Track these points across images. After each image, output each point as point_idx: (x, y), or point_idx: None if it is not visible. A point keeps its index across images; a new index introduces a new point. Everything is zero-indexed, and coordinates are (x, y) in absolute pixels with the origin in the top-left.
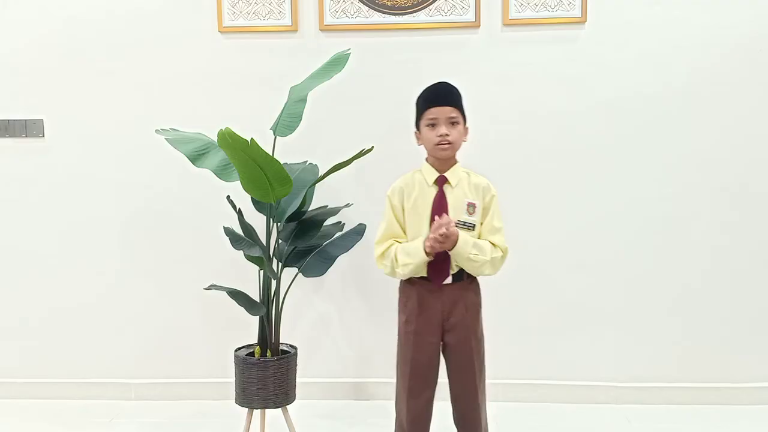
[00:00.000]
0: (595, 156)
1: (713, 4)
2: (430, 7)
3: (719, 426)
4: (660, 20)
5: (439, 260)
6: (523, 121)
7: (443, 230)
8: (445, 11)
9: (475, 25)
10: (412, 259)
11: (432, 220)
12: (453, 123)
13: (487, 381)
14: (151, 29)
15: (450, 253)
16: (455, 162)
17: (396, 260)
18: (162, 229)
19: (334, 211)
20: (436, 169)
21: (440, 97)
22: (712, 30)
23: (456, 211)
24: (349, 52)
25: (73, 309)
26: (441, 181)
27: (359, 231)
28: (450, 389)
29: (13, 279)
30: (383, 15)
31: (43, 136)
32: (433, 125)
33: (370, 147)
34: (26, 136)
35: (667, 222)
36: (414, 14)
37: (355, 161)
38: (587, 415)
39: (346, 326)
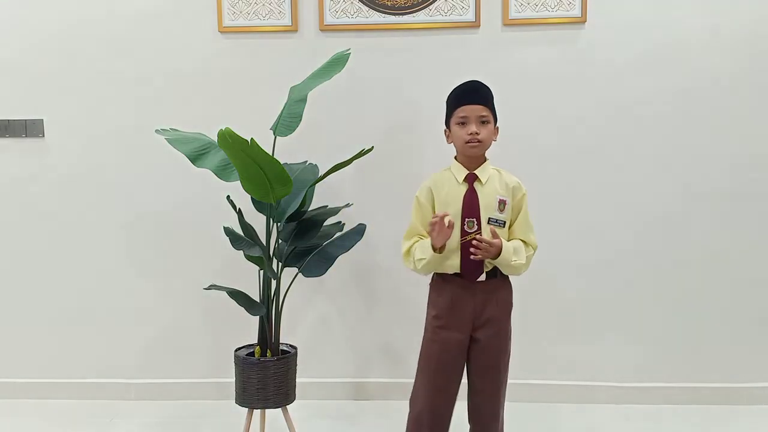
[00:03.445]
0: (594, 156)
1: (713, 4)
2: (430, 7)
3: (719, 426)
4: (660, 20)
5: (472, 260)
6: (523, 121)
7: (482, 244)
8: (445, 11)
9: (475, 25)
10: (425, 255)
11: (463, 216)
12: (483, 122)
13: None
14: (151, 29)
15: (494, 262)
16: (485, 160)
17: (414, 256)
18: (162, 229)
19: (334, 211)
20: (466, 167)
21: (471, 95)
22: (712, 30)
23: (487, 208)
24: (349, 52)
25: (72, 309)
26: (471, 179)
27: (359, 231)
28: (470, 384)
29: (12, 279)
30: (383, 15)
31: (43, 136)
32: (463, 123)
33: (370, 147)
34: (26, 136)
35: (667, 222)
36: (414, 14)
37: (355, 161)
38: (587, 415)
39: (346, 326)
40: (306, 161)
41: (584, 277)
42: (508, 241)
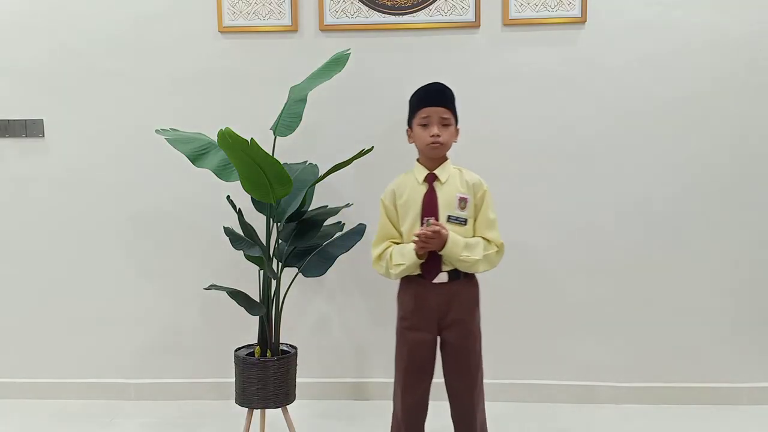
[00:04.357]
0: (594, 156)
1: (713, 4)
2: (430, 7)
3: (719, 426)
4: (660, 20)
5: (430, 257)
6: (523, 121)
7: (427, 231)
8: (445, 11)
9: (475, 25)
10: (405, 260)
11: (423, 216)
12: (445, 124)
13: (488, 381)
14: (151, 29)
15: (440, 253)
16: (446, 159)
17: (390, 261)
18: (162, 229)
19: (334, 211)
20: (427, 168)
21: (434, 97)
22: (712, 30)
23: (447, 206)
24: (349, 52)
25: (72, 309)
26: (431, 179)
27: (359, 231)
28: (447, 386)
29: (12, 279)
30: (383, 15)
31: (43, 136)
32: (425, 125)
33: (370, 147)
34: (26, 136)
35: (667, 222)
36: (414, 14)
37: (355, 161)
38: (587, 415)
39: (346, 326)
40: (306, 161)
41: (584, 277)
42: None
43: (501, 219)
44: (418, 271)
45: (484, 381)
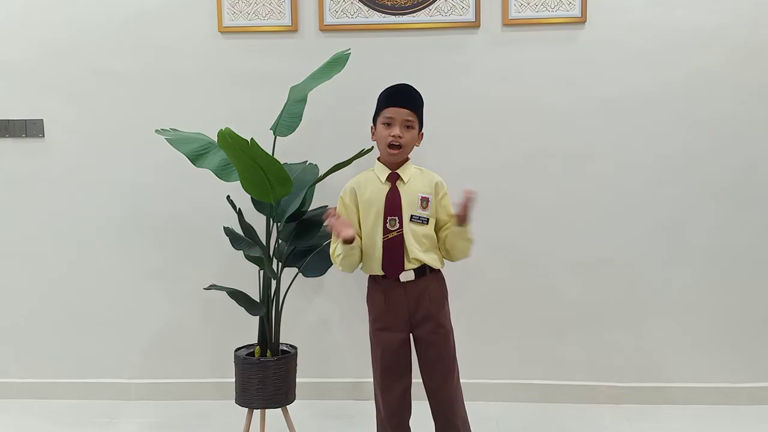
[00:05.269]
0: (594, 156)
1: (713, 4)
2: (430, 7)
3: (719, 426)
4: (660, 20)
5: (391, 255)
6: (523, 120)
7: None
8: (445, 11)
9: (475, 25)
10: (339, 249)
11: (386, 215)
12: (408, 126)
13: (488, 381)
14: (151, 29)
15: (462, 227)
16: (407, 160)
17: (334, 254)
18: (162, 229)
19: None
20: (388, 167)
21: (400, 98)
22: (712, 30)
23: (409, 206)
24: (349, 52)
25: (72, 309)
26: (393, 178)
27: None
28: (424, 383)
29: (12, 279)
30: (383, 15)
31: (43, 136)
32: (388, 124)
33: (370, 147)
34: (26, 136)
35: (667, 222)
36: (414, 14)
37: (355, 161)
38: (587, 415)
39: (346, 326)
40: (306, 161)
41: (584, 277)
42: (443, 235)
43: (501, 218)
44: (380, 271)
45: (484, 381)
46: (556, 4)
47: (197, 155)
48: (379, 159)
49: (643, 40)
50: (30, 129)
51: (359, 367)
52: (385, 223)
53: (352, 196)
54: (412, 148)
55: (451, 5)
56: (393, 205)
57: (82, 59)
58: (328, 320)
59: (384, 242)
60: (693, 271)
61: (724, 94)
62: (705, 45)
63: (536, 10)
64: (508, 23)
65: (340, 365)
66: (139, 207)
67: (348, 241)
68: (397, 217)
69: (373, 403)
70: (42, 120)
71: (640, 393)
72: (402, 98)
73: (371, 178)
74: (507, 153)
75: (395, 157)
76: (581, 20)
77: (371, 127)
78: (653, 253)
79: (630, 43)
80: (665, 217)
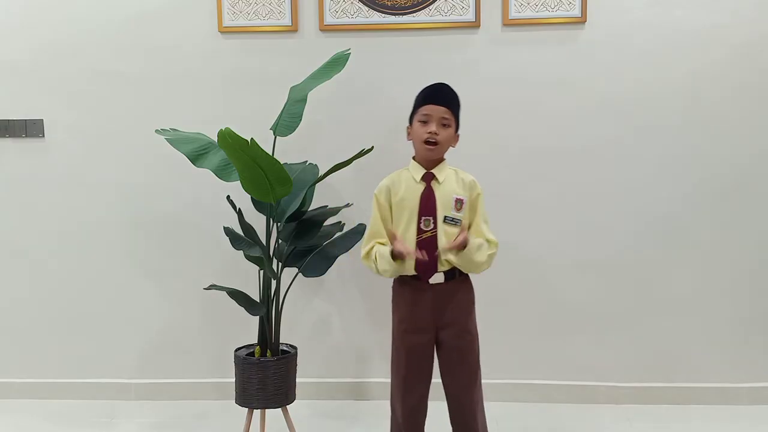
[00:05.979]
0: (594, 156)
1: (713, 4)
2: (430, 7)
3: (720, 426)
4: (660, 20)
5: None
6: (523, 120)
7: (455, 245)
8: (445, 11)
9: (475, 25)
10: (389, 266)
11: (420, 215)
12: (444, 124)
13: (488, 381)
14: (151, 29)
15: (459, 254)
16: (442, 160)
17: (376, 264)
18: (162, 229)
19: (334, 211)
20: (423, 167)
21: (437, 96)
22: (712, 30)
23: (444, 206)
24: (349, 52)
25: (73, 309)
26: (428, 178)
27: (359, 231)
28: (444, 388)
29: (12, 279)
30: (383, 15)
31: (43, 136)
32: (425, 122)
33: (370, 147)
34: (26, 136)
35: (667, 222)
36: (414, 14)
37: (355, 161)
38: (587, 415)
39: (346, 326)
40: (306, 161)
41: (585, 277)
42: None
43: (501, 218)
44: (413, 272)
45: (484, 381)
46: (556, 4)
47: (197, 155)
48: (414, 158)
49: (643, 40)
50: (30, 129)
51: (359, 367)
52: (419, 223)
53: (387, 195)
54: (448, 148)
55: (451, 5)
56: (428, 205)
57: (82, 59)
58: (328, 320)
59: (417, 242)
60: (693, 271)
61: (724, 94)
62: (705, 45)
63: (536, 10)
64: (508, 23)
65: (340, 365)
66: (139, 207)
67: (399, 259)
68: (431, 218)
69: (373, 403)
70: (42, 120)
71: (640, 393)
72: (439, 96)
73: (406, 177)
74: (507, 153)
75: (432, 153)
76: (581, 20)
77: (407, 127)
78: (653, 253)
79: (630, 43)
80: (665, 217)
